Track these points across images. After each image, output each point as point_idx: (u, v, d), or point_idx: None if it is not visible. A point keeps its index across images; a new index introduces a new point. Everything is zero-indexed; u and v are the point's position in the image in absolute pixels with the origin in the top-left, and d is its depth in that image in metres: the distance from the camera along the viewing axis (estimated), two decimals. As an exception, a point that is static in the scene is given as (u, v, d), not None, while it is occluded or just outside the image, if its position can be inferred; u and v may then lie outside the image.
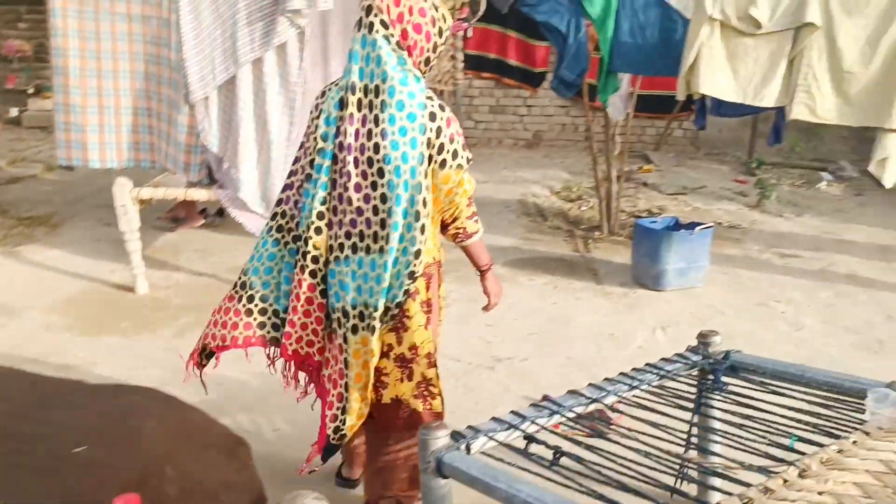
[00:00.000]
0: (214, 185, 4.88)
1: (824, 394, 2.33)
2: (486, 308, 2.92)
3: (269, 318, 2.61)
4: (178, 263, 5.35)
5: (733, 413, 2.30)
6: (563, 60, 5.12)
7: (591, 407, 2.42)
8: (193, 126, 4.62)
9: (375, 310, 2.40)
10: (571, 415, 2.32)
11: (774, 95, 4.63)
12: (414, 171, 2.33)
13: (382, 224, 2.36)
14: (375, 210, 2.36)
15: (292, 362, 2.64)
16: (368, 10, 2.35)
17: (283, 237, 2.57)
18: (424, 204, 2.36)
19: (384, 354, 2.52)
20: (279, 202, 2.59)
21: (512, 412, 2.28)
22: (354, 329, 2.44)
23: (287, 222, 2.55)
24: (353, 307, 2.43)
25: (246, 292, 2.62)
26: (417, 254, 2.38)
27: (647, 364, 2.29)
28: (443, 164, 2.38)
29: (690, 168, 8.63)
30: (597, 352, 4.31)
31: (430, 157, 2.37)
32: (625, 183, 7.01)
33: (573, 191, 7.48)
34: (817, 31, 4.49)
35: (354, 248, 2.40)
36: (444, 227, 2.61)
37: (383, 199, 2.35)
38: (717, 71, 4.60)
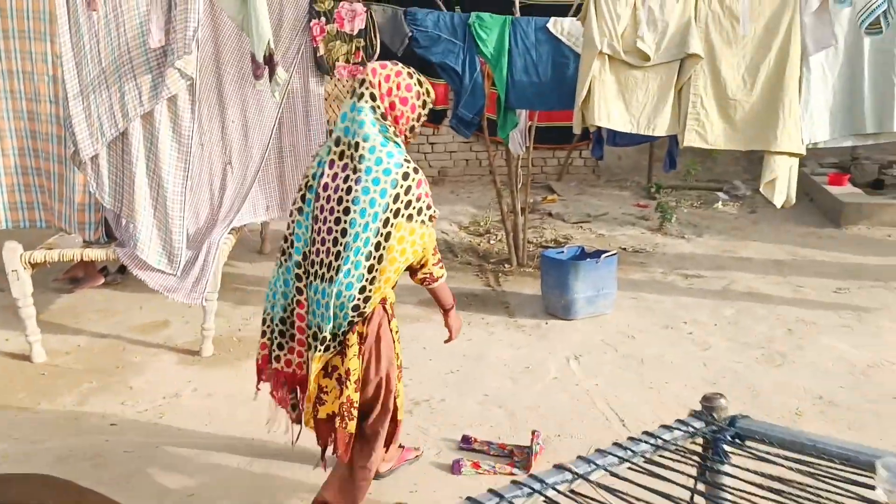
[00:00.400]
0: (113, 242, 4.72)
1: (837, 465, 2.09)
2: (447, 341, 3.29)
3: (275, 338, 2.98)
4: (77, 326, 5.13)
5: (736, 489, 2.09)
6: (460, 100, 5.17)
7: (576, 483, 2.09)
8: (86, 184, 4.48)
9: (320, 331, 2.75)
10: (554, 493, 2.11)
11: (666, 124, 4.79)
12: (376, 217, 2.69)
13: (336, 256, 2.72)
14: (335, 242, 2.73)
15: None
16: (361, 82, 2.80)
17: (285, 261, 2.89)
18: (378, 248, 2.71)
19: (328, 374, 2.86)
20: (286, 234, 2.91)
21: (490, 491, 2.09)
22: (309, 347, 2.84)
23: (287, 247, 2.89)
24: (309, 328, 2.82)
25: (266, 315, 2.99)
26: (362, 290, 2.72)
27: (643, 432, 1.99)
28: (409, 217, 2.74)
29: (592, 196, 8.83)
30: (513, 385, 4.32)
31: (398, 210, 2.71)
32: (530, 214, 7.12)
33: (481, 225, 7.54)
34: (701, 62, 4.68)
35: (315, 275, 2.77)
36: (412, 273, 2.96)
37: (343, 233, 2.71)
38: (610, 103, 4.74)
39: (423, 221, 2.78)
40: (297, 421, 3.05)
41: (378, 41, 4.91)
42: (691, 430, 2.10)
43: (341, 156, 2.77)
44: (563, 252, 5.52)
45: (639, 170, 9.42)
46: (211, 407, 4.08)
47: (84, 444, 3.68)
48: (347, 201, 2.71)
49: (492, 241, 7.04)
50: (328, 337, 2.76)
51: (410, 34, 4.93)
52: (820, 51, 4.55)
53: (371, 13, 4.89)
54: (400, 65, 2.89)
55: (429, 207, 2.80)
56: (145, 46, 4.29)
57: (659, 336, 5.00)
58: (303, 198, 2.84)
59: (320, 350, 2.78)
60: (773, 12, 4.62)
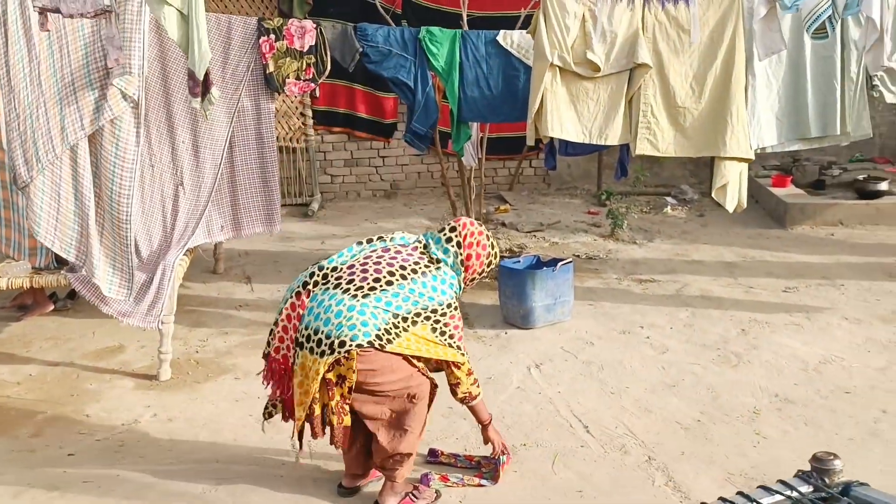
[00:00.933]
0: (63, 267, 4.62)
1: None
2: (492, 454, 3.57)
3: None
4: (28, 355, 5.00)
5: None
6: (413, 114, 5.19)
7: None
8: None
9: (325, 336, 3.00)
10: None
11: (618, 134, 4.87)
12: (416, 304, 3.15)
13: (371, 290, 3.10)
14: (376, 280, 3.12)
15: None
16: (453, 228, 3.40)
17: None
18: (404, 320, 3.11)
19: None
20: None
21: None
22: (300, 346, 3.10)
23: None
24: (306, 328, 3.09)
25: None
26: (384, 331, 3.06)
27: (738, 493, 1.66)
28: (434, 330, 3.20)
29: (544, 204, 8.92)
30: (477, 398, 4.32)
31: (431, 318, 3.19)
32: (484, 225, 7.15)
33: (435, 237, 7.55)
34: (650, 71, 4.77)
35: (338, 287, 3.13)
36: (452, 391, 3.41)
37: (388, 283, 3.13)
38: (563, 114, 4.80)
39: (448, 344, 3.24)
40: (291, 416, 3.32)
41: (329, 58, 4.91)
42: (796, 495, 1.79)
43: (425, 248, 3.36)
44: (519, 261, 5.56)
45: (588, 177, 9.54)
46: (172, 432, 4.01)
47: (41, 477, 3.59)
48: (411, 275, 3.18)
49: (447, 253, 7.05)
50: (334, 344, 2.98)
51: (361, 50, 4.94)
52: (770, 56, 4.68)
53: (321, 29, 4.89)
54: (484, 227, 3.50)
55: (451, 337, 3.25)
56: (88, 69, 4.22)
57: (617, 341, 5.06)
58: (371, 238, 3.39)
59: (326, 355, 2.99)
60: (717, 21, 4.74)
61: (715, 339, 5.05)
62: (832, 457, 1.84)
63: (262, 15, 8.36)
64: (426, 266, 3.26)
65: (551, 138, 5.04)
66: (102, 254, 4.44)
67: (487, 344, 5.04)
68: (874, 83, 5.28)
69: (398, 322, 3.09)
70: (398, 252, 3.28)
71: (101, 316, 4.93)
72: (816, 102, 4.99)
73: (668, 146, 4.88)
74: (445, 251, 3.35)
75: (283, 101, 8.73)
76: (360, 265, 3.18)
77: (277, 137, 8.76)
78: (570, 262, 5.45)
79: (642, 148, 4.87)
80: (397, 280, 3.14)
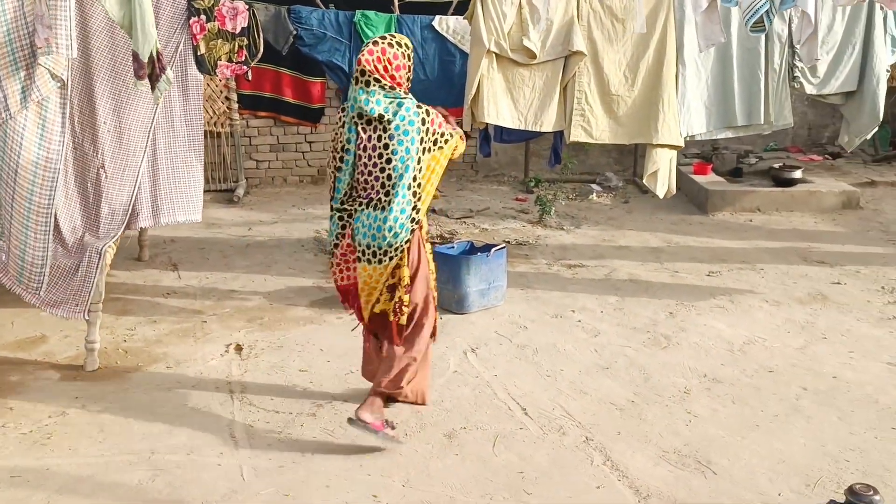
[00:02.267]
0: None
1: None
2: None
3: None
4: (-58, 347, 4.78)
5: None
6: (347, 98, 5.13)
7: None
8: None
9: (378, 248, 3.60)
10: None
11: (552, 120, 4.93)
12: (413, 159, 3.56)
13: (386, 194, 3.56)
14: (383, 185, 3.57)
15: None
16: (362, 72, 3.56)
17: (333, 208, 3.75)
18: (415, 179, 3.59)
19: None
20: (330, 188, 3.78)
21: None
22: (360, 260, 3.68)
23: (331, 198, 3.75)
24: (359, 246, 3.67)
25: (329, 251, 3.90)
26: (414, 209, 3.62)
27: None
28: (431, 149, 3.63)
29: (473, 191, 8.97)
30: (415, 383, 4.34)
31: (426, 147, 3.60)
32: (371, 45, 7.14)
33: (366, 223, 7.51)
34: (585, 59, 4.85)
35: (368, 205, 3.62)
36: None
37: (388, 178, 3.55)
38: (499, 101, 4.84)
39: (446, 140, 3.67)
40: (361, 319, 3.87)
41: (262, 40, 4.81)
42: None
43: (369, 122, 3.55)
44: (453, 247, 5.58)
45: (516, 165, 9.63)
46: (103, 423, 3.89)
47: (-35, 472, 3.44)
48: (387, 154, 3.53)
49: (378, 239, 7.03)
50: (390, 250, 3.60)
51: (295, 32, 4.87)
52: (710, 47, 4.82)
53: (253, 11, 4.78)
54: (380, 43, 3.59)
55: (442, 136, 3.65)
56: (12, 47, 4.03)
57: (550, 325, 5.14)
58: (341, 159, 3.66)
59: (384, 261, 3.62)
60: (650, 11, 4.84)
61: (644, 321, 5.18)
62: (871, 490, 1.76)
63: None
64: (384, 130, 3.54)
65: (486, 125, 5.07)
66: (14, 238, 4.23)
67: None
68: (795, 74, 5.51)
69: (416, 184, 3.60)
70: (365, 146, 3.58)
71: (21, 305, 4.76)
72: (742, 92, 5.17)
73: (602, 133, 4.97)
74: (371, 93, 3.54)
75: (208, 84, 8.51)
76: (363, 180, 3.60)
77: (202, 121, 8.60)
78: (504, 247, 5.51)
79: (576, 135, 4.95)
80: (391, 168, 3.54)
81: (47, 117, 4.16)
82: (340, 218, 3.73)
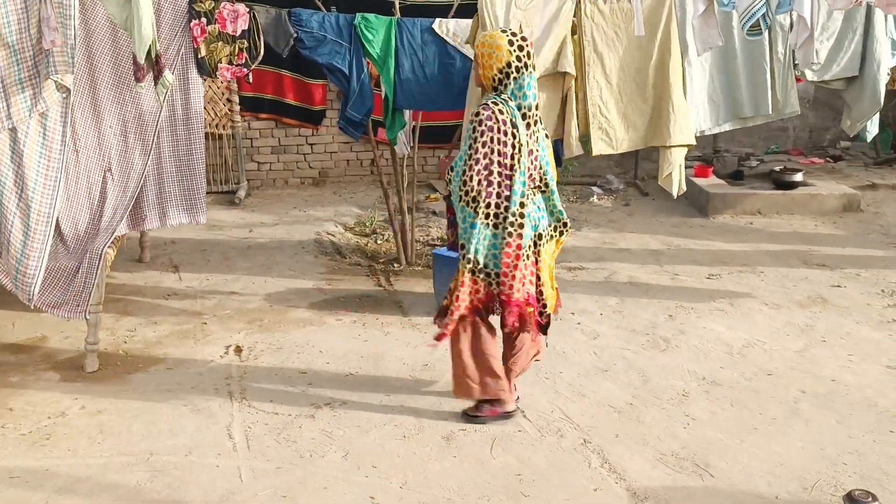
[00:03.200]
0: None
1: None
2: None
3: (493, 279, 3.77)
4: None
5: None
6: (347, 101, 5.15)
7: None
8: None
9: (559, 222, 3.90)
10: None
11: (551, 130, 4.95)
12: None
13: (545, 172, 3.82)
14: (541, 175, 3.80)
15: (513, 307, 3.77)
16: (529, 54, 3.66)
17: (497, 222, 3.68)
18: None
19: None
20: (487, 202, 3.65)
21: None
22: (551, 238, 3.89)
23: (499, 212, 3.67)
24: (552, 227, 3.89)
25: (476, 267, 3.78)
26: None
27: None
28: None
29: (474, 193, 8.96)
30: (414, 384, 4.35)
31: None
32: (415, 213, 7.16)
33: (367, 225, 7.53)
34: (595, 72, 4.88)
35: (535, 191, 3.79)
36: None
37: (545, 158, 3.82)
38: None
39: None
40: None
41: (262, 42, 4.82)
42: None
43: (525, 117, 3.66)
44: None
45: (517, 167, 9.64)
46: (102, 424, 3.90)
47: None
48: (542, 155, 3.80)
49: (379, 242, 7.04)
50: (568, 222, 3.95)
51: (295, 35, 4.87)
52: (707, 50, 4.83)
53: (254, 14, 4.80)
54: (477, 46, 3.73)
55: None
56: (17, 58, 4.02)
57: (550, 327, 5.13)
58: (518, 160, 3.63)
59: (564, 234, 3.94)
60: (650, 13, 4.86)
61: (644, 324, 5.19)
62: (870, 497, 1.74)
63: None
64: (536, 128, 3.74)
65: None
66: (12, 247, 4.22)
67: (422, 331, 5.06)
68: (796, 62, 5.52)
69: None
70: (532, 149, 3.72)
71: (21, 307, 4.77)
72: (748, 83, 5.19)
73: (622, 143, 5.03)
74: (532, 77, 3.68)
75: (210, 86, 8.54)
76: (532, 167, 3.72)
77: (204, 123, 8.62)
78: (504, 249, 5.50)
79: (599, 149, 5.01)
80: (542, 147, 3.79)
81: (48, 126, 4.16)
82: (522, 225, 3.65)
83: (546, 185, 3.83)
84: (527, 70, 3.64)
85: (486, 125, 3.57)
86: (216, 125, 8.73)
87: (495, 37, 3.66)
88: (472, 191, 3.62)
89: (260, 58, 4.88)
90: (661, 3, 4.82)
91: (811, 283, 5.96)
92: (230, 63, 4.82)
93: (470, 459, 3.61)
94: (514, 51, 3.60)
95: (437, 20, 5.13)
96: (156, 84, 4.14)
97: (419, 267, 6.26)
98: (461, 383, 3.89)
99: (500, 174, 3.63)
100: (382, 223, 7.45)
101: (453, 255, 5.38)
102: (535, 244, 3.78)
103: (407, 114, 5.87)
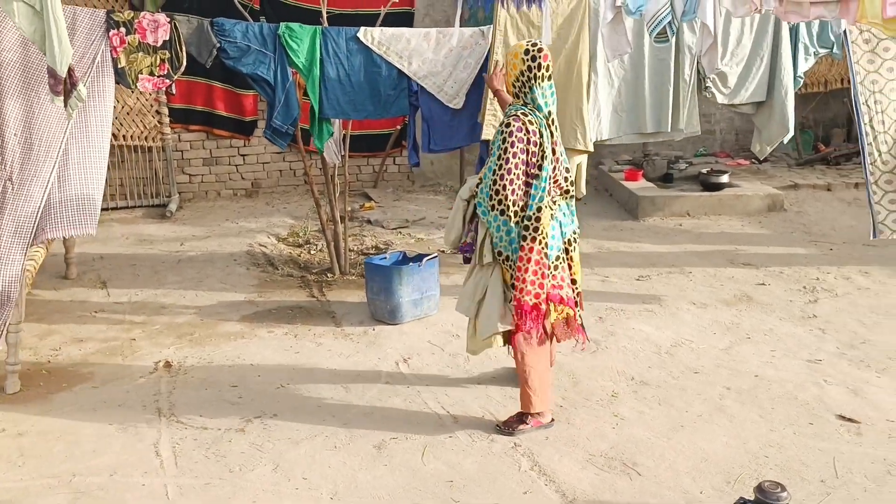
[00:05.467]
0: None
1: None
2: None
3: None
4: None
5: None
6: (273, 110, 5.11)
7: None
8: None
9: (576, 232, 3.99)
10: None
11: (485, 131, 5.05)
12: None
13: (566, 193, 3.88)
14: (566, 179, 3.85)
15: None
16: (548, 66, 3.75)
17: (517, 220, 3.71)
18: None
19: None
20: (514, 202, 3.69)
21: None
22: (576, 248, 3.97)
23: (518, 210, 3.71)
24: (574, 235, 3.98)
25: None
26: None
27: None
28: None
29: (409, 201, 8.99)
30: (346, 394, 4.33)
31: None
32: (349, 222, 7.14)
33: (300, 235, 7.48)
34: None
35: (562, 195, 3.86)
36: None
37: (568, 172, 3.89)
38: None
39: None
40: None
41: (184, 53, 4.75)
42: None
43: (550, 123, 3.76)
44: (385, 258, 5.59)
45: (451, 174, 9.67)
46: (23, 446, 3.79)
47: None
48: (564, 160, 3.88)
49: (312, 252, 7.00)
50: (578, 236, 4.03)
51: (219, 45, 4.82)
52: (617, 57, 4.95)
53: (175, 24, 4.73)
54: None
55: None
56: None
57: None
58: (540, 166, 3.69)
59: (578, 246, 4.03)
60: (563, 21, 4.95)
61: (575, 327, 5.25)
62: (779, 488, 1.78)
63: (112, 8, 7.99)
64: (556, 133, 3.85)
65: (415, 136, 5.12)
66: None
67: (355, 341, 5.05)
68: (706, 85, 5.70)
69: None
70: (554, 150, 3.80)
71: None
72: (653, 100, 5.35)
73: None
74: (551, 86, 3.78)
75: (138, 98, 8.40)
76: (557, 172, 3.80)
77: (132, 136, 8.46)
78: (436, 256, 5.53)
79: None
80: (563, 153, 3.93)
81: None
82: (537, 229, 3.69)
83: (567, 190, 3.89)
84: (540, 79, 3.71)
85: (515, 136, 3.65)
86: (145, 137, 8.59)
87: (516, 46, 3.82)
88: (505, 199, 3.67)
89: (182, 68, 4.81)
90: (577, 10, 4.92)
91: (737, 282, 6.11)
92: (151, 74, 4.74)
93: (401, 467, 3.61)
94: (528, 60, 3.70)
95: (363, 29, 5.13)
96: (69, 98, 4.03)
97: (352, 276, 6.24)
98: (533, 397, 3.88)
99: (527, 184, 3.72)
100: (315, 233, 7.41)
101: (385, 263, 5.41)
102: (567, 249, 3.89)
103: (336, 123, 5.86)
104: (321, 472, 3.57)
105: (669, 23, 4.46)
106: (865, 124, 4.72)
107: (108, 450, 3.76)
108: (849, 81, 5.23)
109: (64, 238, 6.11)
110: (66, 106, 4.11)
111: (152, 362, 4.74)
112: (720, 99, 5.94)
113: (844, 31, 4.69)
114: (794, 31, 6.13)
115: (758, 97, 6.25)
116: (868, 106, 4.70)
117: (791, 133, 6.30)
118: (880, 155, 4.74)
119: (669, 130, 5.58)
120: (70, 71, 3.98)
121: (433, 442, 3.83)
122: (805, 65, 6.22)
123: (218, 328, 5.27)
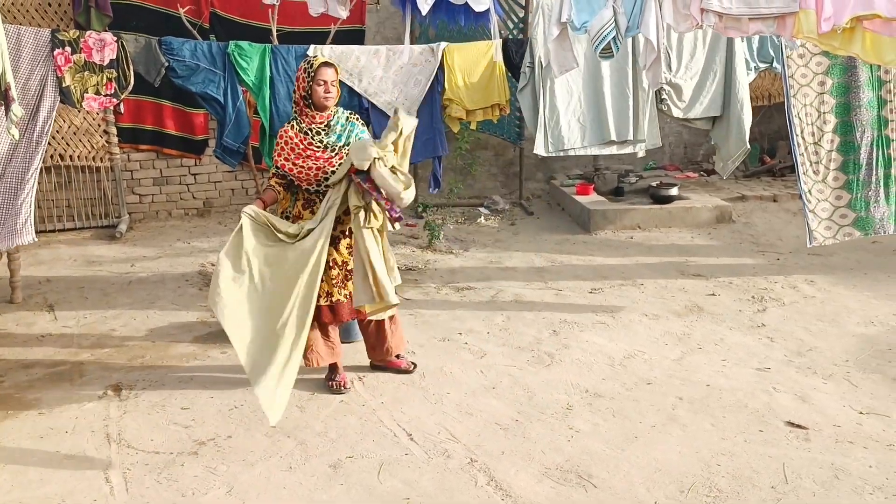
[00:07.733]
0: None
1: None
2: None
3: None
4: None
5: None
6: (224, 129, 5.08)
7: None
8: None
9: None
10: None
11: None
12: None
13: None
14: None
15: None
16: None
17: None
18: None
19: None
20: None
21: None
22: None
23: None
24: None
25: None
26: None
27: None
28: None
29: (363, 218, 8.95)
30: (301, 414, 4.30)
31: None
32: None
33: (253, 255, 7.40)
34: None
35: None
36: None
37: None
38: None
39: None
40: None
41: (132, 72, 4.71)
42: None
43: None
44: (339, 276, 5.55)
45: (405, 190, 9.68)
46: (-33, 477, 3.69)
47: None
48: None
49: (266, 271, 6.92)
50: None
51: (167, 64, 4.78)
52: (564, 73, 5.00)
53: (122, 43, 4.68)
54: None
55: None
56: None
57: (438, 349, 5.18)
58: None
59: None
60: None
61: (529, 340, 5.28)
62: None
63: (57, 27, 7.88)
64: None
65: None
66: None
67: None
68: (663, 97, 5.78)
69: None
70: None
71: None
72: (614, 109, 5.41)
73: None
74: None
75: (84, 118, 8.27)
76: None
77: (79, 156, 8.32)
78: (390, 273, 5.51)
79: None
80: None
81: None
82: None
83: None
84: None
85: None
86: (93, 158, 8.44)
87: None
88: None
89: (130, 88, 4.76)
90: None
91: (688, 293, 6.21)
92: (97, 93, 4.69)
93: (357, 487, 3.59)
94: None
95: (312, 47, 5.14)
96: (5, 117, 3.96)
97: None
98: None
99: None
100: (269, 252, 7.34)
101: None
102: None
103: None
104: (276, 494, 3.53)
105: (614, 38, 4.54)
106: (798, 136, 4.87)
107: (56, 478, 3.67)
108: (792, 96, 5.35)
109: (9, 261, 6.02)
110: (6, 127, 4.04)
111: (102, 387, 4.65)
112: (675, 113, 6.02)
113: (781, 46, 4.82)
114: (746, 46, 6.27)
115: (713, 112, 6.32)
116: (800, 118, 4.85)
117: (748, 148, 6.37)
118: (811, 165, 4.89)
119: (631, 138, 5.65)
120: (6, 90, 3.91)
121: (389, 459, 3.81)
122: (746, 79, 6.36)
123: (170, 350, 5.19)
